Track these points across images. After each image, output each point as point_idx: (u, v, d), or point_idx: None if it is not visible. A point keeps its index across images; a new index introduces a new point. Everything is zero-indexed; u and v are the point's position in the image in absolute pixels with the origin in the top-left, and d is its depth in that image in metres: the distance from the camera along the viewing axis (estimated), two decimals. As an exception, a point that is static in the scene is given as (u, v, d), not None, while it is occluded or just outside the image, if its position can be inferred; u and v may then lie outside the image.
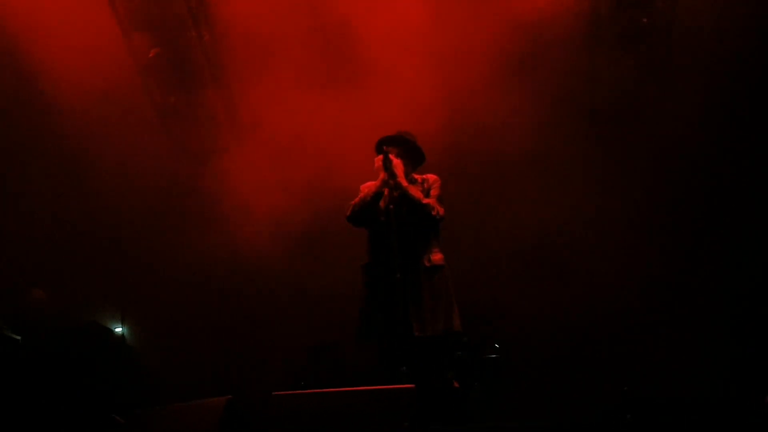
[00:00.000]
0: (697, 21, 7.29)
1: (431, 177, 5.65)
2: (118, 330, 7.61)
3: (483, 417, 6.29)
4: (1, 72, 7.58)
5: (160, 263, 7.96)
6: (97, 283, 7.81)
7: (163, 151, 8.20)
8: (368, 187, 5.60)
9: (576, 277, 7.41)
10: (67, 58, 7.41)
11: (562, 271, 7.50)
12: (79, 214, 7.93)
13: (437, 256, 5.49)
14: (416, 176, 5.64)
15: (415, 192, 5.46)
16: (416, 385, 4.49)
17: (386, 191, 5.47)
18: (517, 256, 7.58)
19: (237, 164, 8.00)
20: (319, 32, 7.70)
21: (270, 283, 8.10)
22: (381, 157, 5.48)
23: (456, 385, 5.50)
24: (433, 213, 5.43)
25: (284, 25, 7.56)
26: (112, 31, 7.62)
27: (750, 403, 4.83)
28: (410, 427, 4.23)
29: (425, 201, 5.44)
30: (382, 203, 5.48)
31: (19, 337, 6.67)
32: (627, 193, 7.67)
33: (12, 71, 7.56)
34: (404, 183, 5.46)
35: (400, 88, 7.29)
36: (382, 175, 5.47)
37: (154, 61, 7.87)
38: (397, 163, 5.49)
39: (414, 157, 5.69)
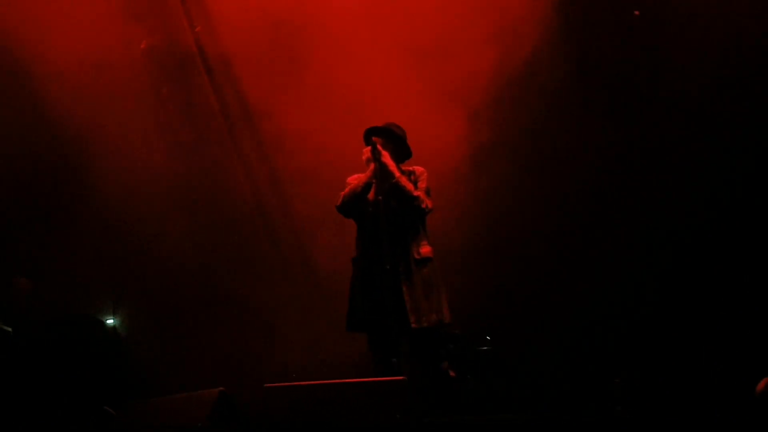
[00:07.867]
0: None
1: (418, 169, 5.66)
2: (110, 322, 7.61)
3: (474, 409, 6.30)
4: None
5: (153, 255, 7.92)
6: (89, 275, 7.78)
7: (159, 143, 8.16)
8: (355, 179, 5.61)
9: (568, 268, 7.34)
10: (59, 53, 7.35)
11: (555, 262, 7.43)
12: (69, 204, 7.88)
13: (426, 249, 5.51)
14: (403, 167, 5.65)
15: (406, 183, 5.46)
16: (409, 376, 4.51)
17: (375, 182, 5.48)
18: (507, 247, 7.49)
19: (231, 154, 7.97)
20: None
21: (264, 276, 8.08)
22: (370, 148, 5.50)
23: (453, 374, 5.53)
24: (423, 206, 5.45)
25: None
26: (105, 22, 7.58)
27: (743, 394, 4.84)
28: (402, 419, 4.24)
29: (415, 193, 5.45)
30: (371, 195, 5.49)
31: (10, 329, 6.65)
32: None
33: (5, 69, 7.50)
34: (396, 173, 5.46)
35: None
36: (372, 165, 5.48)
37: (146, 52, 7.87)
38: (386, 153, 5.49)
39: (401, 151, 5.69)
